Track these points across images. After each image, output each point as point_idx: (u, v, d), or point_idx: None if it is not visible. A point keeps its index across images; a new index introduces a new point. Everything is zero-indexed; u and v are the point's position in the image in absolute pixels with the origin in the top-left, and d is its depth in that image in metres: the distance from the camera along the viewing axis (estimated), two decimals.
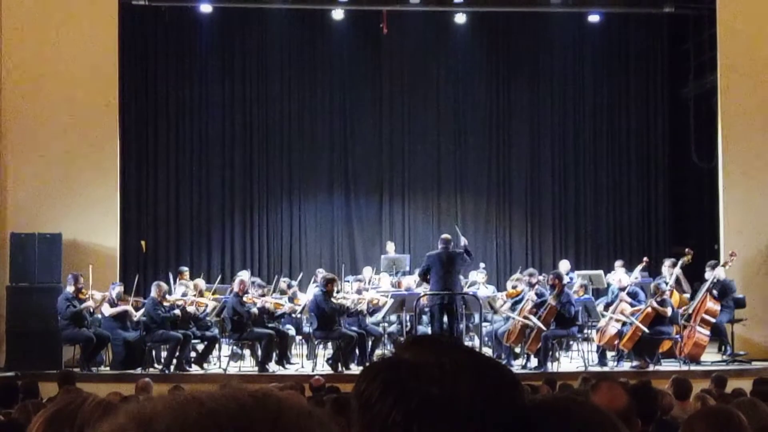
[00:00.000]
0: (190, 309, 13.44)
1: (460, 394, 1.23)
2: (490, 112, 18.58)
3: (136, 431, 0.83)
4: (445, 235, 13.78)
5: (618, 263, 15.14)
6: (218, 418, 0.83)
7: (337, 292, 13.54)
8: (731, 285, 13.60)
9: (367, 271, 15.74)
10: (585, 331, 13.95)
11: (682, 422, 3.45)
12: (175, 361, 12.95)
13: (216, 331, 13.72)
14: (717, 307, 13.30)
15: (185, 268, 15.18)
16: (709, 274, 13.50)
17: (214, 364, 13.53)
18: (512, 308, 13.60)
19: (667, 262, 14.35)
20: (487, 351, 13.26)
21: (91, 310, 13.23)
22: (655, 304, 12.92)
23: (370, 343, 13.51)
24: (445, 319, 13.21)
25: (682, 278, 14.05)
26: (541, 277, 13.96)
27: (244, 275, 14.24)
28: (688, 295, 13.99)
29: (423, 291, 13.60)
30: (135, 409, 0.85)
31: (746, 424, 3.08)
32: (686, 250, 14.24)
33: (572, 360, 13.94)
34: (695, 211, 17.90)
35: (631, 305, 13.24)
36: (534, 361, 13.21)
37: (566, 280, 14.06)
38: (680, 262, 13.96)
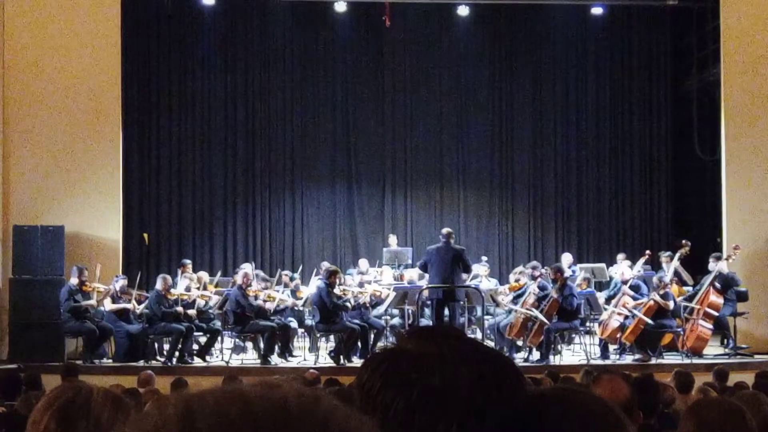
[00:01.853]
0: (195, 304, 13.44)
1: (461, 385, 1.23)
2: (492, 105, 18.56)
3: (180, 428, 0.83)
4: (446, 229, 13.78)
5: (620, 256, 15.14)
6: (261, 422, 0.82)
7: (340, 284, 13.54)
8: (734, 278, 13.59)
9: (364, 263, 15.67)
10: (587, 324, 13.95)
11: (684, 412, 3.45)
12: (177, 353, 12.97)
13: (218, 323, 13.73)
14: (720, 300, 13.30)
15: (188, 261, 15.17)
16: (712, 266, 13.50)
17: (217, 357, 13.55)
18: (514, 301, 13.62)
19: (664, 256, 14.38)
20: (490, 344, 13.25)
21: (95, 305, 13.25)
22: (657, 297, 12.92)
23: (372, 336, 13.52)
24: (447, 312, 13.23)
25: (681, 270, 14.06)
26: (543, 270, 13.97)
27: (247, 268, 14.25)
28: (689, 288, 13.99)
29: (425, 284, 13.61)
30: (180, 404, 0.85)
31: (750, 416, 3.08)
32: (683, 242, 14.24)
33: (574, 353, 13.95)
34: (698, 204, 17.88)
35: (634, 298, 13.24)
36: (536, 354, 13.22)
37: (568, 273, 14.06)
38: (678, 255, 13.97)
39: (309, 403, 0.85)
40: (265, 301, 13.38)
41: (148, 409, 0.87)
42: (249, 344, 13.96)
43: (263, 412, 0.83)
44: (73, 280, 13.14)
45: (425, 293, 13.51)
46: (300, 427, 0.83)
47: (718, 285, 13.37)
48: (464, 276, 13.86)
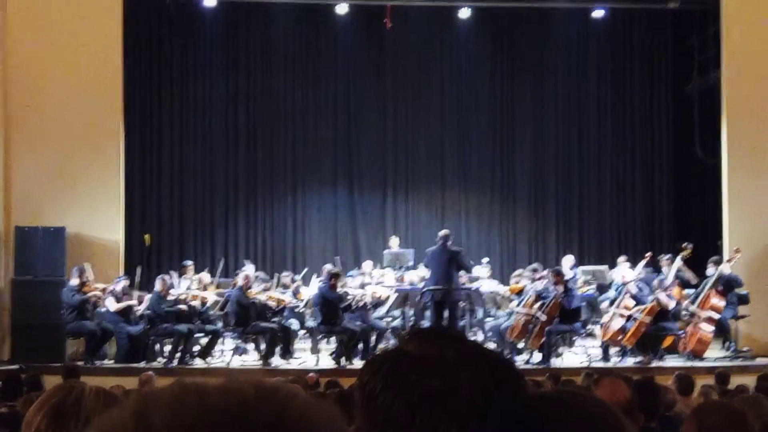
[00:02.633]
0: (194, 303, 13.46)
1: (461, 387, 1.23)
2: (493, 107, 18.55)
3: (135, 425, 0.82)
4: (442, 231, 13.83)
5: (621, 258, 15.13)
6: (218, 414, 0.81)
7: (342, 287, 13.55)
8: (737, 279, 13.55)
9: (368, 265, 15.69)
10: (588, 326, 13.94)
11: (686, 416, 3.45)
12: (178, 354, 12.97)
13: (220, 325, 13.73)
14: (721, 303, 13.28)
15: (189, 262, 15.19)
16: (711, 271, 13.47)
17: (218, 358, 13.55)
18: (516, 303, 13.61)
19: (664, 259, 14.35)
20: (491, 346, 13.19)
21: (95, 302, 13.26)
22: (660, 296, 12.89)
23: (373, 337, 13.52)
24: (447, 314, 13.25)
25: (685, 270, 14.04)
26: (544, 272, 13.96)
27: (249, 269, 14.25)
28: (690, 291, 13.97)
29: (426, 286, 13.62)
30: (136, 402, 0.84)
31: (752, 420, 3.08)
32: (684, 244, 14.23)
33: (576, 355, 13.94)
34: (699, 206, 17.87)
35: (635, 300, 13.23)
36: (537, 357, 13.21)
37: (569, 275, 14.05)
38: (679, 257, 13.95)
39: (266, 393, 0.84)
40: (264, 303, 13.40)
41: (106, 412, 0.86)
42: (250, 345, 13.97)
43: (220, 404, 0.82)
44: (74, 281, 13.16)
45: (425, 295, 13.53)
46: (258, 417, 0.82)
47: (720, 287, 13.35)
48: (462, 276, 13.86)
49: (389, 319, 14.15)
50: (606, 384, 3.61)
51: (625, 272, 14.00)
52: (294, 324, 13.98)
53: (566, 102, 18.61)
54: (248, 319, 13.10)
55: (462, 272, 13.77)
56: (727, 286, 13.42)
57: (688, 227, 17.73)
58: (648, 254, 14.93)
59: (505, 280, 15.73)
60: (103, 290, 13.29)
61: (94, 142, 14.76)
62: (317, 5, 17.44)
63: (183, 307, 13.19)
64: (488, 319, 14.05)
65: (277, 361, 13.16)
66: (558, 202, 18.62)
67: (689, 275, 14.12)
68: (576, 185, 18.60)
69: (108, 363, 13.18)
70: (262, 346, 13.32)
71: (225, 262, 16.49)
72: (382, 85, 18.37)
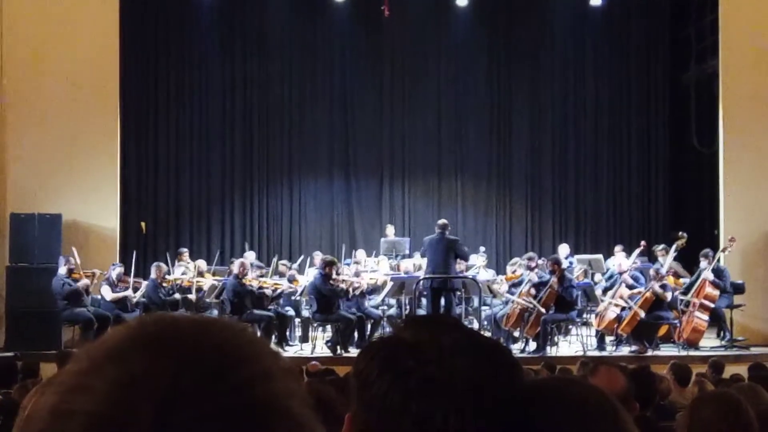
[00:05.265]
0: (190, 286, 13.48)
1: (458, 374, 1.23)
2: (491, 96, 18.53)
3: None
4: (441, 221, 13.84)
5: (617, 248, 15.13)
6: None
7: (337, 274, 13.55)
8: (724, 281, 13.52)
9: (361, 254, 15.68)
10: (584, 315, 13.96)
11: (682, 407, 3.46)
12: None
13: (215, 312, 13.73)
14: (716, 292, 13.30)
15: (185, 250, 15.19)
16: (703, 264, 13.48)
17: None
18: (510, 291, 13.63)
19: (658, 249, 14.34)
20: (486, 335, 13.24)
21: (89, 289, 13.25)
22: (657, 288, 12.91)
23: (369, 326, 13.53)
24: (443, 302, 13.28)
25: (677, 268, 14.05)
26: (540, 261, 13.97)
27: (249, 257, 14.27)
28: (685, 280, 13.99)
29: (422, 274, 13.65)
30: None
31: (749, 407, 3.09)
32: (680, 233, 14.23)
33: (571, 344, 13.96)
34: (695, 196, 17.89)
35: (631, 289, 13.24)
36: (533, 345, 13.23)
37: (565, 264, 14.06)
38: (674, 247, 13.95)
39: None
40: (260, 288, 13.42)
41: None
42: None
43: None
44: (62, 270, 13.15)
45: (422, 283, 13.55)
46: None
47: (712, 277, 13.37)
48: (461, 265, 13.88)
49: (385, 307, 14.17)
50: (602, 373, 3.62)
51: (621, 261, 14.01)
52: (290, 311, 13.99)
53: (563, 91, 18.60)
54: (244, 307, 13.10)
55: (460, 261, 13.78)
56: (719, 276, 13.42)
57: (684, 216, 17.75)
58: (643, 243, 14.95)
59: (501, 269, 15.76)
60: (93, 275, 13.30)
61: (90, 129, 14.73)
62: None
63: (177, 296, 13.19)
64: (484, 307, 14.07)
65: None
66: (554, 191, 18.62)
67: (683, 273, 14.14)
68: (572, 174, 18.61)
69: None
70: (258, 334, 13.32)
71: (221, 251, 16.49)
72: (379, 74, 18.34)
